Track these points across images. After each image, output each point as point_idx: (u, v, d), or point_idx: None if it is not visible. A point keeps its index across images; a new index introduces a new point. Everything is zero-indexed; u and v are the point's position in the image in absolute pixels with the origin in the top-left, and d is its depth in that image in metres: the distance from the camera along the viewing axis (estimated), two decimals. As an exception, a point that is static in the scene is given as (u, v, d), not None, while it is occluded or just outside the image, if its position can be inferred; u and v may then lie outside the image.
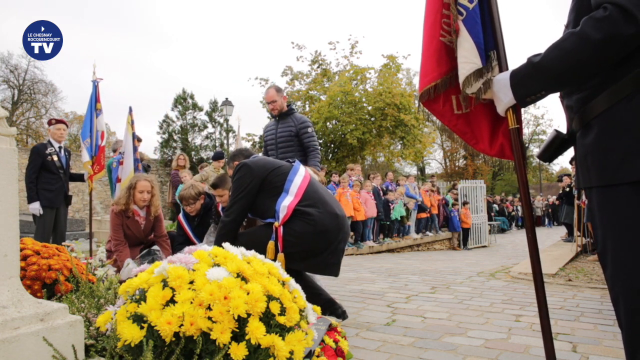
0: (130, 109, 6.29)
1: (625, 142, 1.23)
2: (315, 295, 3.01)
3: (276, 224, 2.87)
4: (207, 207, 4.23)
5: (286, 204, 2.86)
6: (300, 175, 3.03)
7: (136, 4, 54.41)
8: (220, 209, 4.12)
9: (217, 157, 8.29)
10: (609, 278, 1.33)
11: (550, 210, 23.82)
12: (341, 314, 3.08)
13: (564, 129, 1.56)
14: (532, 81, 1.46)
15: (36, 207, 5.31)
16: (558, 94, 1.52)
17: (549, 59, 1.36)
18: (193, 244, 4.06)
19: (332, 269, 2.98)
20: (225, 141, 21.11)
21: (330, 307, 3.07)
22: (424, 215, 11.92)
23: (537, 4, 61.73)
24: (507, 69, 1.82)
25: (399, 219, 10.75)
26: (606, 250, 1.32)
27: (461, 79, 1.86)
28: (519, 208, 22.97)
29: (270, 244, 2.85)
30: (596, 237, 1.38)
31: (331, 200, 3.04)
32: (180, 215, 4.35)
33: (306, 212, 2.84)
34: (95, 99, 6.00)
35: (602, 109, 1.28)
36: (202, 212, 4.23)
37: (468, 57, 1.84)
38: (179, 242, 4.19)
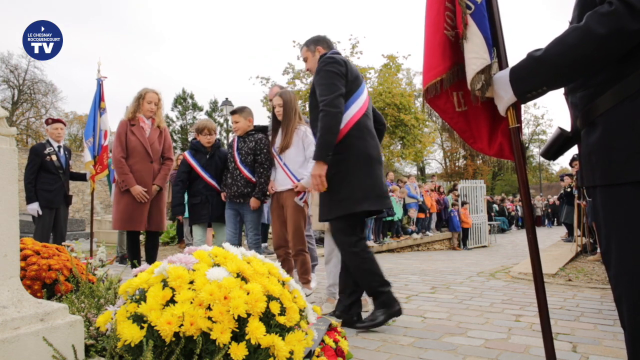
0: (127, 110, 6.27)
1: (630, 141, 1.22)
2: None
3: None
4: (217, 146, 4.39)
5: (348, 116, 2.85)
6: (358, 105, 2.97)
7: (135, 4, 54.42)
8: (236, 137, 4.22)
9: None
10: (613, 277, 1.32)
11: (550, 210, 23.83)
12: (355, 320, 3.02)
13: (566, 127, 1.55)
14: (533, 76, 1.43)
15: (34, 208, 5.28)
16: (562, 91, 1.50)
17: (551, 53, 1.33)
18: (202, 179, 4.24)
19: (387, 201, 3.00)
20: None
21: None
22: (423, 215, 11.93)
23: (533, 3, 61.77)
24: (507, 66, 1.78)
25: (400, 219, 10.76)
26: (610, 250, 1.31)
27: (470, 75, 1.77)
28: (519, 208, 22.98)
29: None
30: (600, 236, 1.37)
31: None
32: (187, 152, 4.44)
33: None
34: (99, 97, 5.98)
35: (607, 107, 1.27)
36: (213, 150, 4.35)
37: (478, 53, 1.76)
38: (179, 179, 4.32)
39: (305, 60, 3.28)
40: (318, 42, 3.23)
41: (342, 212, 2.84)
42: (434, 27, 1.92)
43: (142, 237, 4.74)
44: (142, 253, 4.69)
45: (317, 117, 2.86)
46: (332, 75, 2.86)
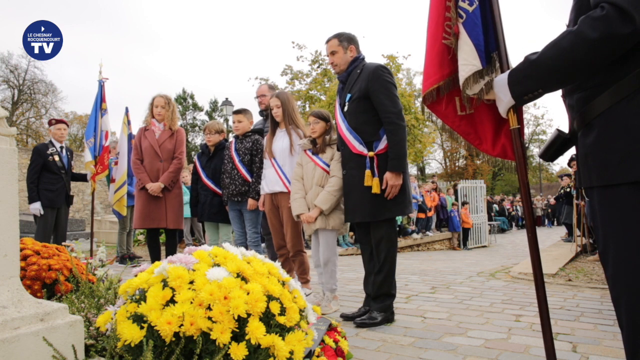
0: (127, 110, 6.29)
1: (626, 142, 1.23)
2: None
3: (370, 153, 2.97)
4: (221, 147, 4.55)
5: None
6: None
7: (135, 4, 54.44)
8: (234, 136, 4.41)
9: None
10: (610, 278, 1.32)
11: (550, 210, 23.83)
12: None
13: (564, 128, 1.56)
14: (529, 79, 1.46)
15: (37, 207, 5.31)
16: (560, 93, 1.52)
17: (545, 57, 1.36)
18: (201, 179, 4.55)
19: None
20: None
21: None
22: (423, 215, 11.92)
23: (532, 4, 61.86)
24: (508, 69, 1.83)
25: (400, 220, 10.75)
26: (607, 250, 1.32)
27: (461, 80, 1.89)
28: (519, 208, 22.97)
29: (368, 172, 2.96)
30: (598, 236, 1.38)
31: None
32: (196, 154, 4.79)
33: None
34: (100, 98, 6.03)
35: (603, 108, 1.28)
36: (216, 150, 4.56)
37: (467, 60, 1.87)
38: (192, 182, 4.77)
39: (332, 53, 3.20)
40: (353, 41, 3.20)
41: (400, 213, 3.07)
42: (433, 36, 2.01)
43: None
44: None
45: (366, 121, 3.01)
46: (393, 87, 3.01)
